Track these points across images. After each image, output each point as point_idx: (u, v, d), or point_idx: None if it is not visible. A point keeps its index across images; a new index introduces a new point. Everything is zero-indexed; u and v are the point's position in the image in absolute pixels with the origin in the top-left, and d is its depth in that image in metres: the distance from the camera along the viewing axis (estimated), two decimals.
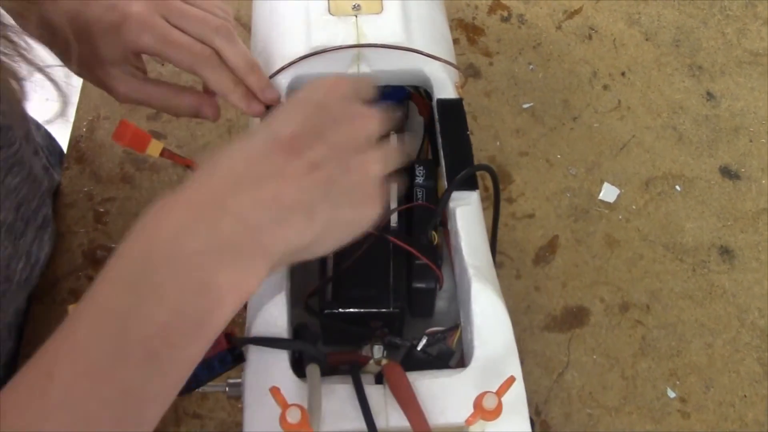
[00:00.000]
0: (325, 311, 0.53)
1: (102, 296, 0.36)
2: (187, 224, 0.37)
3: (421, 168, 0.59)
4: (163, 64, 0.92)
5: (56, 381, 0.32)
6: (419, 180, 0.58)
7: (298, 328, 0.51)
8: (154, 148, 0.52)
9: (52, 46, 0.57)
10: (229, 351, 0.47)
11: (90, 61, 0.57)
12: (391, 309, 0.53)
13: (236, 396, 0.52)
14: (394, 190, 0.58)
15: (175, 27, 0.55)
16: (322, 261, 0.55)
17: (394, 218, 0.56)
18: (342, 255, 0.54)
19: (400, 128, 0.62)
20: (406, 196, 0.58)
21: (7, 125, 0.65)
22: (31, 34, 0.52)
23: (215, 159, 0.41)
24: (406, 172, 0.59)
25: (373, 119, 0.45)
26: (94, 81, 0.60)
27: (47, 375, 0.33)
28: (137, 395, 0.34)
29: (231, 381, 0.51)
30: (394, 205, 0.57)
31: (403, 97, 0.65)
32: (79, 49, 0.55)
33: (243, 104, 0.56)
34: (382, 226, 0.55)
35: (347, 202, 0.42)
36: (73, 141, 0.86)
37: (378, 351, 0.53)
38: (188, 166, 0.55)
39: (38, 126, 0.89)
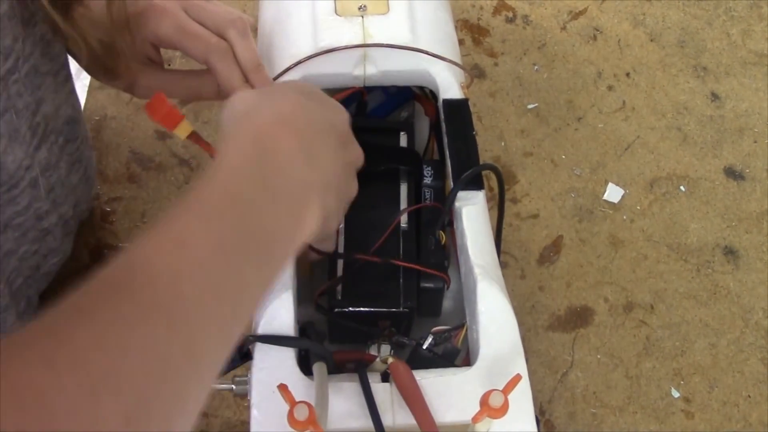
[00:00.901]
0: (336, 310, 0.53)
1: (228, 183, 0.38)
2: (296, 150, 0.40)
3: (430, 168, 0.59)
4: (169, 64, 0.92)
5: (191, 250, 0.34)
6: (427, 180, 0.59)
7: (304, 326, 0.51)
8: (183, 128, 0.52)
9: (72, 47, 0.58)
10: (236, 349, 0.47)
11: (110, 58, 0.58)
12: (401, 309, 0.53)
13: (242, 394, 0.52)
14: (404, 190, 0.58)
15: (194, 19, 0.56)
16: (333, 261, 0.55)
17: (404, 219, 0.56)
18: (353, 254, 0.55)
19: (407, 127, 0.62)
20: (415, 197, 0.58)
21: (74, 119, 0.66)
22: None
23: (292, 98, 0.44)
24: (414, 172, 0.59)
25: (361, 155, 0.50)
26: (113, 79, 0.61)
27: (180, 243, 0.34)
28: (246, 287, 0.36)
29: (238, 379, 0.51)
30: (403, 205, 0.57)
31: (408, 98, 0.65)
32: (98, 48, 0.56)
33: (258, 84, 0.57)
34: (392, 228, 0.55)
35: (340, 204, 0.47)
36: None
37: (385, 350, 0.53)
38: (212, 155, 0.55)
39: None
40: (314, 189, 0.41)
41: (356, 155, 0.49)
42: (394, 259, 0.54)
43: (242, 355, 0.48)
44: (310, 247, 0.51)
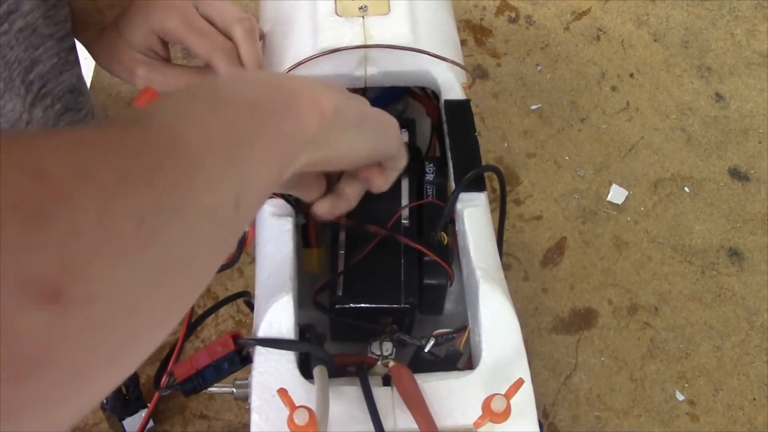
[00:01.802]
0: (336, 306, 0.53)
1: (238, 89, 0.37)
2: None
3: (432, 165, 0.59)
4: None
5: (217, 116, 0.34)
6: (429, 177, 0.58)
7: (304, 329, 0.51)
8: None
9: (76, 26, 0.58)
10: (237, 352, 0.47)
11: (115, 45, 0.59)
12: (402, 305, 0.52)
13: (243, 398, 0.51)
14: (405, 186, 0.58)
15: (202, 16, 0.56)
16: (334, 256, 0.55)
17: (405, 215, 0.56)
18: (353, 250, 0.54)
19: (408, 123, 0.62)
20: (417, 193, 0.58)
21: (78, 89, 0.66)
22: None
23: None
24: (416, 169, 0.59)
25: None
26: (116, 67, 0.61)
27: (214, 105, 0.34)
28: (253, 175, 0.36)
29: (238, 382, 0.51)
30: (405, 201, 0.57)
31: (399, 96, 0.65)
32: (106, 34, 0.56)
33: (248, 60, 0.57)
34: (394, 223, 0.55)
35: (383, 133, 0.46)
36: None
37: (387, 348, 0.52)
38: None
39: None
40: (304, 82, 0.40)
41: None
42: (396, 251, 0.54)
43: (242, 359, 0.47)
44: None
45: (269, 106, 0.37)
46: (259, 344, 0.47)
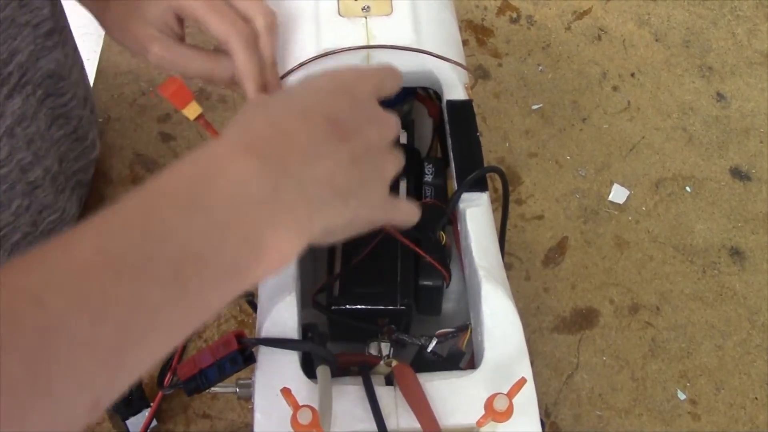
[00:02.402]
0: (333, 307, 0.53)
1: (147, 202, 0.35)
2: (253, 171, 0.37)
3: (431, 166, 0.59)
4: None
5: (75, 258, 0.31)
6: (428, 178, 0.58)
7: (306, 328, 0.51)
8: (193, 109, 0.52)
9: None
10: (240, 352, 0.47)
11: (129, 18, 0.57)
12: (398, 306, 0.53)
13: (246, 397, 0.52)
14: (403, 187, 0.58)
15: None
16: (330, 257, 0.55)
17: None
18: (350, 251, 0.54)
19: (407, 124, 0.62)
20: (415, 194, 0.58)
21: (59, 74, 0.66)
22: None
23: (271, 113, 0.41)
24: (415, 169, 0.59)
25: (396, 125, 0.46)
26: (128, 40, 0.60)
27: (69, 249, 0.31)
28: (149, 312, 0.32)
29: (241, 382, 0.51)
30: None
31: (407, 96, 0.65)
32: (120, 5, 0.55)
33: (254, 95, 0.56)
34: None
35: (368, 200, 0.43)
36: None
37: (385, 348, 0.53)
38: None
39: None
40: (282, 212, 0.37)
41: (381, 132, 0.44)
42: (393, 252, 0.54)
43: (245, 358, 0.47)
44: None
45: (212, 269, 0.34)
46: (263, 344, 0.47)
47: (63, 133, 0.71)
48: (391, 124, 0.45)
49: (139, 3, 0.56)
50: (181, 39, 0.59)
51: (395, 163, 0.45)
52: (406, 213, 0.48)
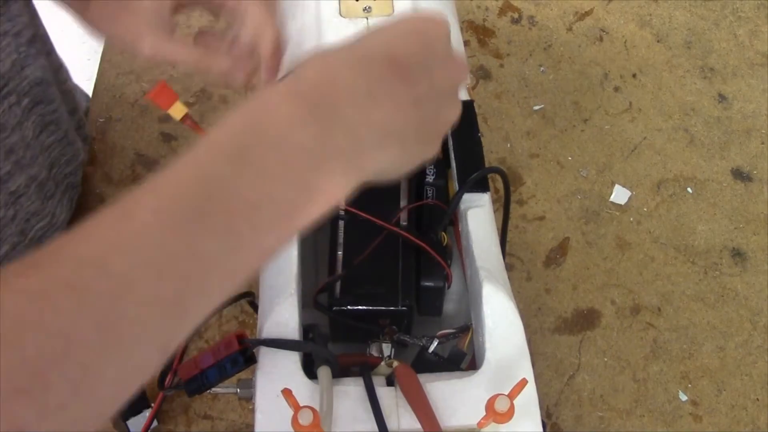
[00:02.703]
0: (334, 308, 0.53)
1: (199, 158, 0.35)
2: (301, 118, 0.37)
3: (432, 167, 0.59)
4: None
5: (134, 221, 0.32)
6: (429, 179, 0.58)
7: (307, 329, 0.51)
8: (178, 110, 0.52)
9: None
10: (241, 353, 0.47)
11: (120, 11, 0.56)
12: (399, 307, 0.53)
13: (247, 398, 0.52)
14: (405, 187, 0.58)
15: None
16: (332, 257, 0.55)
17: (404, 216, 0.56)
18: (352, 252, 0.54)
19: None
20: (416, 195, 0.58)
21: (46, 81, 0.66)
22: None
23: (328, 61, 0.40)
24: (415, 170, 0.59)
25: (466, 69, 0.46)
26: (117, 33, 0.58)
27: (127, 214, 0.32)
28: (206, 263, 0.33)
29: (242, 382, 0.51)
30: (404, 203, 0.57)
31: None
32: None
33: (268, 76, 0.55)
34: (394, 222, 0.55)
35: (426, 140, 0.43)
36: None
37: (386, 349, 0.53)
38: None
39: (87, 98, 0.91)
40: (331, 157, 0.37)
41: (450, 74, 0.43)
42: (395, 253, 0.54)
43: (246, 359, 0.47)
44: None
45: (263, 216, 0.35)
46: (264, 345, 0.47)
47: (54, 139, 0.70)
48: (461, 67, 0.44)
49: None
50: (172, 31, 0.57)
51: (458, 108, 0.44)
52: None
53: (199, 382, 0.47)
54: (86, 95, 0.92)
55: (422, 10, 0.61)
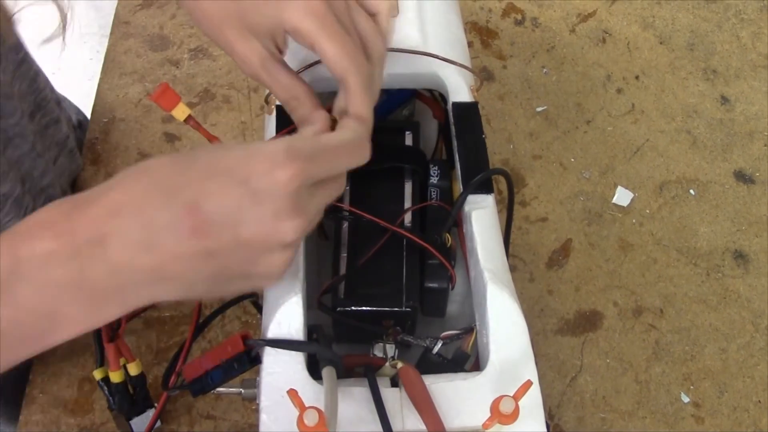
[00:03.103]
0: (338, 309, 0.53)
1: None
2: (60, 254, 0.37)
3: (436, 168, 0.59)
4: (176, 66, 0.92)
5: None
6: (434, 180, 0.59)
7: (312, 329, 0.51)
8: (181, 111, 0.52)
9: None
10: (246, 353, 0.47)
11: (228, 19, 0.50)
12: (404, 308, 0.53)
13: (251, 398, 0.52)
14: (409, 189, 0.58)
15: (342, 23, 0.48)
16: (336, 258, 0.55)
17: (408, 217, 0.56)
18: (356, 252, 0.54)
19: (413, 127, 0.62)
20: (420, 196, 0.58)
21: (7, 94, 0.65)
22: None
23: (124, 185, 0.38)
24: (421, 172, 0.59)
25: (300, 229, 0.40)
26: (217, 38, 0.52)
27: None
28: None
29: (246, 383, 0.51)
30: (408, 203, 0.57)
31: (406, 98, 0.65)
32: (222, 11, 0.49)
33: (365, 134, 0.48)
34: (398, 223, 0.55)
35: (240, 281, 0.41)
36: (89, 143, 0.86)
37: (390, 350, 0.53)
38: (210, 140, 0.55)
39: (78, 111, 0.91)
40: (89, 294, 0.37)
41: (265, 234, 0.38)
42: (399, 253, 0.54)
43: (251, 359, 0.47)
44: None
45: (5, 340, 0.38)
46: (269, 345, 0.47)
47: (22, 152, 0.70)
48: (294, 223, 0.39)
49: (244, 13, 0.48)
50: (281, 57, 0.52)
51: (281, 267, 0.40)
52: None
53: (203, 383, 0.47)
54: (76, 108, 0.91)
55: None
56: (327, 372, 0.45)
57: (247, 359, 0.47)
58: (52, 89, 0.81)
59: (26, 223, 0.38)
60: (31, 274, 0.37)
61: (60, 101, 0.85)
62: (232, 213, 0.37)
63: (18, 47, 0.70)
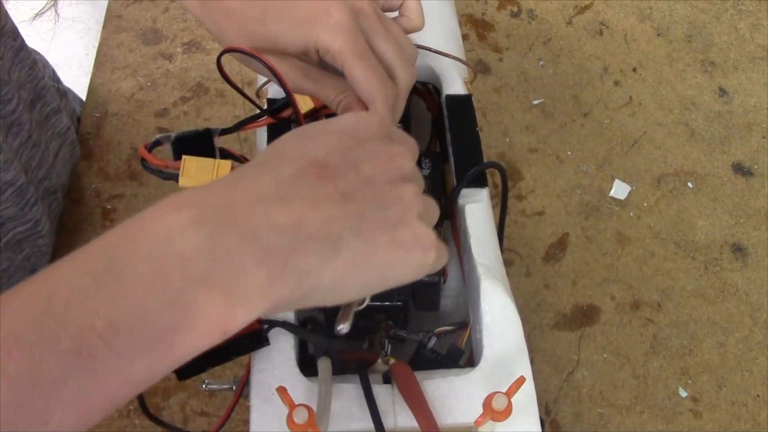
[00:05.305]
0: None
1: (57, 270, 0.31)
2: (183, 224, 0.32)
3: (427, 160, 0.58)
4: (170, 60, 0.91)
5: None
6: (425, 172, 0.58)
7: (305, 322, 0.50)
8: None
9: None
10: (257, 332, 0.46)
11: (255, 34, 0.49)
12: (394, 302, 0.52)
13: (244, 395, 0.51)
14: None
15: (371, 45, 0.47)
16: None
17: None
18: None
19: (404, 120, 0.61)
20: None
21: (4, 80, 0.65)
22: None
23: (243, 168, 0.37)
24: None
25: (410, 158, 0.41)
26: (262, 71, 0.51)
27: None
28: (48, 387, 0.29)
29: (238, 379, 0.51)
30: None
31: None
32: (232, 19, 0.48)
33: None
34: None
35: (386, 241, 0.37)
36: (81, 138, 0.86)
37: (383, 344, 0.52)
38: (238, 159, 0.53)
39: (82, 104, 0.90)
40: (219, 270, 0.32)
41: (385, 164, 0.39)
42: None
43: (264, 339, 0.47)
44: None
45: (126, 339, 0.30)
46: (278, 326, 0.47)
47: (20, 142, 0.69)
48: (404, 156, 0.40)
49: (273, 33, 0.48)
50: (318, 62, 0.50)
51: (413, 198, 0.39)
52: (438, 259, 0.41)
53: (217, 354, 0.46)
54: (81, 101, 0.91)
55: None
56: (322, 362, 0.45)
57: (259, 338, 0.46)
58: (55, 79, 0.81)
59: (137, 215, 0.34)
60: (150, 249, 0.32)
61: (65, 93, 0.84)
62: (350, 157, 0.39)
63: (15, 34, 0.70)
